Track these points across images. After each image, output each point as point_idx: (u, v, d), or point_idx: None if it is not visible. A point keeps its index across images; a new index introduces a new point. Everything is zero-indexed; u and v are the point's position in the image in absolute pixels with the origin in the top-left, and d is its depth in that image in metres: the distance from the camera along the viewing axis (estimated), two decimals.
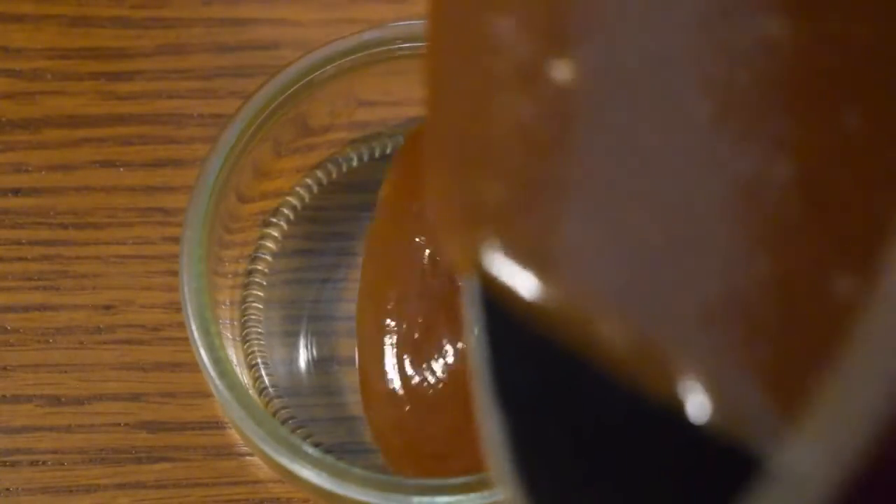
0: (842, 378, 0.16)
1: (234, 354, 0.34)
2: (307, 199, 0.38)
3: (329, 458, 0.32)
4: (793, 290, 0.18)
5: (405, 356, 0.35)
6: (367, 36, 0.35)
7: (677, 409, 0.18)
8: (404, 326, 0.35)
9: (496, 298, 0.20)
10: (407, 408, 0.35)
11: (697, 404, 0.18)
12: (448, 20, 0.21)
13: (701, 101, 0.19)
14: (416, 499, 0.31)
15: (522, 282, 0.20)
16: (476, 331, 0.21)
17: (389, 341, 0.35)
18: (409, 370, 0.35)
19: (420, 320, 0.35)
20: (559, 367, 0.20)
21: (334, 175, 0.38)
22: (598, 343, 0.19)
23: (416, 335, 0.35)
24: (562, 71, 0.20)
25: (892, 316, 0.16)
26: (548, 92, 0.20)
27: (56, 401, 0.36)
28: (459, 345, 0.35)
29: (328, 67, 0.35)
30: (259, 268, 0.37)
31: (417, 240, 0.36)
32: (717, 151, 0.19)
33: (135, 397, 0.37)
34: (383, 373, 0.35)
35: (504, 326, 0.21)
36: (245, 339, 0.36)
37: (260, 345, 0.36)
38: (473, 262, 0.20)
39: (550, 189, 0.20)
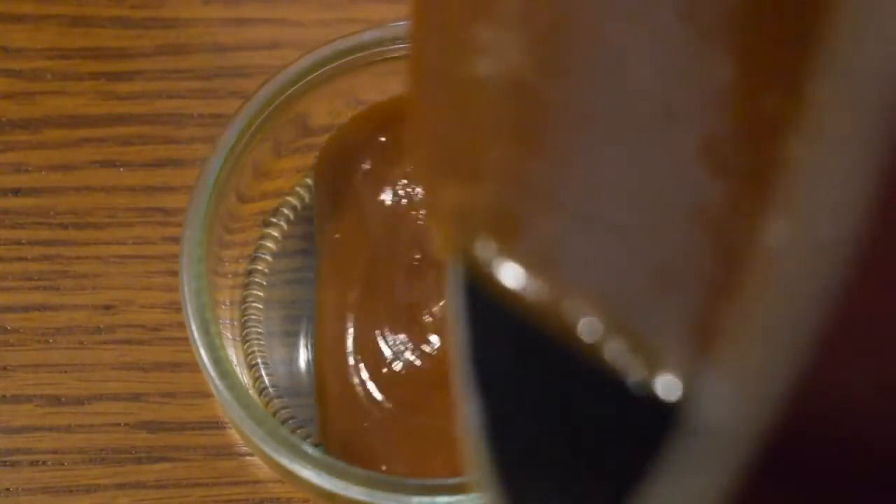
0: (754, 319, 0.16)
1: (234, 354, 0.34)
2: (307, 199, 0.38)
3: (329, 458, 0.32)
4: (729, 243, 0.18)
5: (351, 359, 0.35)
6: (367, 36, 0.35)
7: (652, 391, 0.18)
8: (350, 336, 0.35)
9: (479, 284, 0.20)
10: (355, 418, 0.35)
11: (667, 382, 0.18)
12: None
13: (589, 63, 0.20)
14: (416, 499, 0.31)
15: (503, 267, 0.20)
16: (457, 316, 0.21)
17: (340, 344, 0.35)
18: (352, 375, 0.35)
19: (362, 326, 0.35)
20: (538, 352, 0.20)
21: None
22: (569, 325, 0.19)
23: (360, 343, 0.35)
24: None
25: (802, 256, 0.16)
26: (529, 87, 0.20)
27: (56, 401, 0.36)
28: (407, 352, 0.35)
29: (328, 67, 0.35)
30: (259, 268, 0.37)
31: (337, 236, 0.36)
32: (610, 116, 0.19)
33: (135, 397, 0.37)
34: (336, 369, 0.35)
35: (486, 312, 0.21)
36: (245, 339, 0.36)
37: (260, 345, 0.36)
38: (458, 245, 0.20)
39: (535, 179, 0.20)
